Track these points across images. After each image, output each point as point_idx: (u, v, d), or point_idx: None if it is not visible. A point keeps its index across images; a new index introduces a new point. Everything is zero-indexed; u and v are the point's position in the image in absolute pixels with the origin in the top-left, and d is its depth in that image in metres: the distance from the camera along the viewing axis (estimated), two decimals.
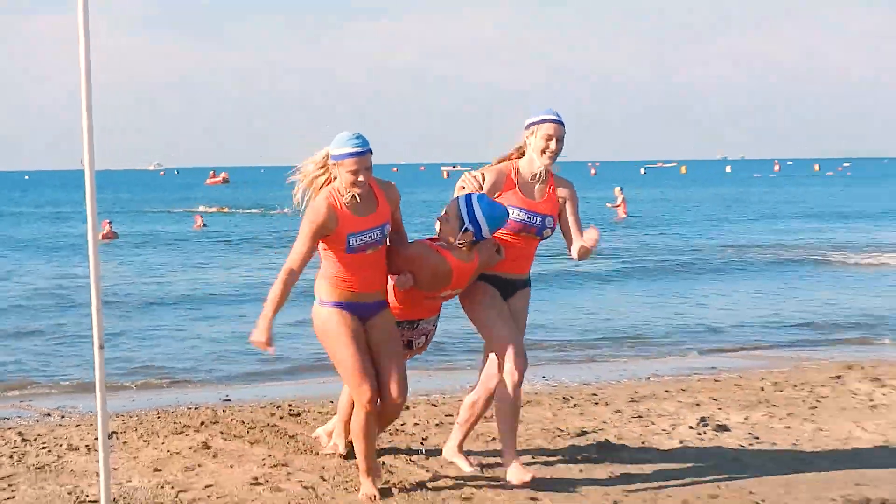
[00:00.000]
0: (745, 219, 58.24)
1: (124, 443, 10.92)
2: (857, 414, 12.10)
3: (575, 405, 12.66)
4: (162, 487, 9.40)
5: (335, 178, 8.63)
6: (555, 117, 9.07)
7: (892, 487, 9.25)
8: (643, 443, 10.89)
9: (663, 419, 11.83)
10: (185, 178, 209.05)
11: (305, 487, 9.34)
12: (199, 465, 10.06)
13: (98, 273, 6.86)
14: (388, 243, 8.87)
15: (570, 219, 9.30)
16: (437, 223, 8.93)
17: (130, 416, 12.32)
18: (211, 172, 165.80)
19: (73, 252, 40.21)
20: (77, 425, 11.90)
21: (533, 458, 10.28)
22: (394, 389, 8.81)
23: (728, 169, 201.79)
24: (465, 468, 9.59)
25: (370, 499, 8.80)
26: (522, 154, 9.19)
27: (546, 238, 9.27)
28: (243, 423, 11.73)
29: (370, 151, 8.51)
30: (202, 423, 11.74)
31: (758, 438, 11.08)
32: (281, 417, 12.10)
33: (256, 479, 9.60)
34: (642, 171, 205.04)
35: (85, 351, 17.92)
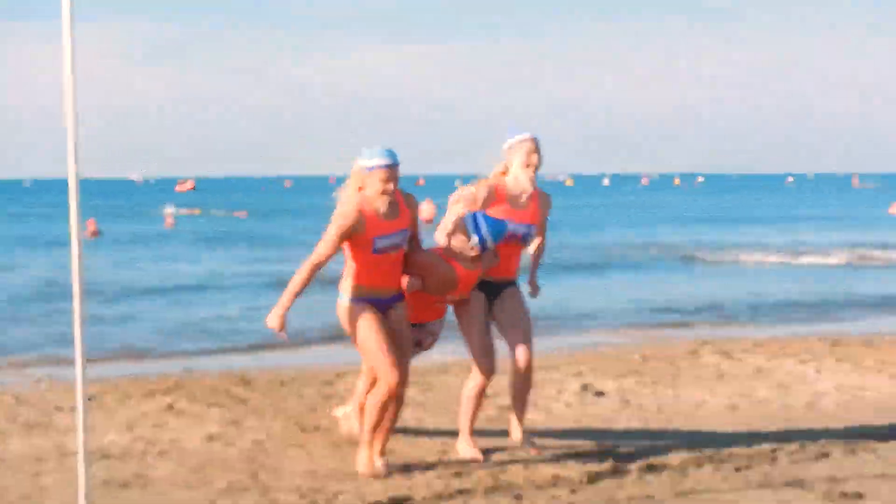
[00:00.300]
0: (620, 224, 58.52)
1: (102, 404, 10.82)
2: (709, 383, 12.16)
3: None
4: (133, 442, 9.32)
5: (365, 186, 8.18)
6: (533, 135, 8.75)
7: (735, 442, 9.30)
8: (535, 405, 10.90)
9: (552, 386, 11.83)
10: (159, 186, 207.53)
11: (254, 442, 9.29)
12: (165, 423, 9.98)
13: (80, 259, 6.78)
14: (408, 247, 8.42)
15: (542, 226, 9.05)
16: (445, 238, 8.51)
17: (108, 382, 12.21)
18: (179, 180, 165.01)
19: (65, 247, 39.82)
20: (64, 390, 11.77)
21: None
22: (396, 372, 8.16)
23: (606, 182, 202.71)
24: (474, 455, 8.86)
25: (369, 473, 8.20)
26: (506, 173, 8.77)
27: (528, 245, 8.98)
28: (202, 388, 11.67)
29: (398, 164, 8.12)
30: (168, 388, 11.66)
31: (628, 402, 11.11)
32: (234, 384, 12.03)
33: (213, 435, 9.54)
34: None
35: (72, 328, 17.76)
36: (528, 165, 8.70)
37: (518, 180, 8.72)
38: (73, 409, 10.51)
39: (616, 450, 9.05)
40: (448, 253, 8.50)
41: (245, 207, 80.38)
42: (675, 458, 8.69)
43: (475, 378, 8.88)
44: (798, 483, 7.92)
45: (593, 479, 8.14)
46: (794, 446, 9.08)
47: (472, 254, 8.45)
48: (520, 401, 9.02)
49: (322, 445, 9.16)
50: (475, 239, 8.45)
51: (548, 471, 8.31)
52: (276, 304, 8.12)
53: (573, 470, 8.32)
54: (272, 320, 8.12)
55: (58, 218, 60.22)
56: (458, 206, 8.62)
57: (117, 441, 9.34)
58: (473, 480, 8.00)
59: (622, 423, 10.21)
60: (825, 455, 8.83)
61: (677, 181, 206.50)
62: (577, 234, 48.00)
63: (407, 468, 8.37)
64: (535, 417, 10.31)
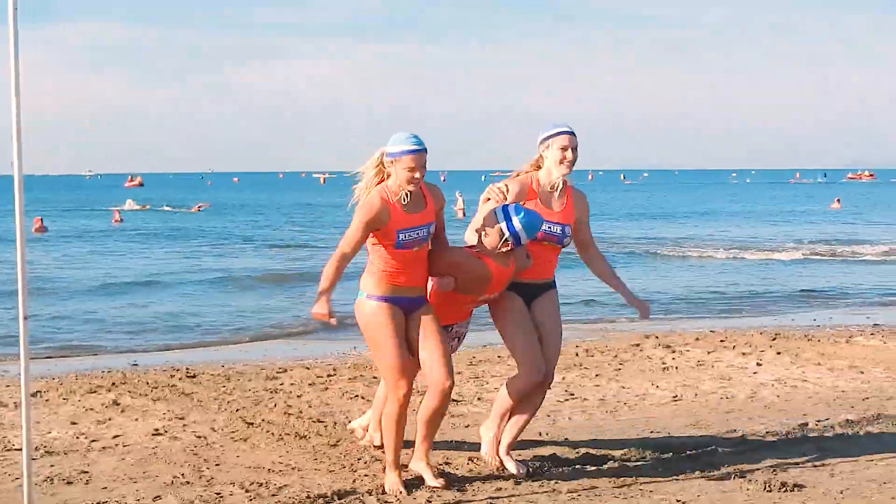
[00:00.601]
0: None
1: (46, 400, 10.73)
2: (652, 375, 12.22)
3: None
4: (77, 437, 9.25)
5: (388, 176, 7.67)
6: (567, 129, 8.10)
7: (678, 433, 9.35)
8: (479, 398, 10.92)
9: (496, 379, 11.84)
10: (107, 181, 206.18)
11: (199, 437, 9.24)
12: (110, 419, 9.92)
13: (24, 256, 6.72)
14: (430, 245, 7.86)
15: (583, 228, 8.35)
16: (474, 233, 7.92)
17: (52, 379, 12.10)
18: (129, 177, 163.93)
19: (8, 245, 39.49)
20: (7, 386, 11.66)
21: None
22: (441, 374, 7.68)
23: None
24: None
25: (396, 493, 7.60)
26: (539, 167, 8.15)
27: (566, 246, 8.28)
28: (148, 383, 11.60)
29: (426, 150, 7.59)
30: (113, 383, 11.58)
31: (573, 395, 11.13)
32: (180, 379, 11.98)
33: (157, 430, 9.48)
34: (483, 178, 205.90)
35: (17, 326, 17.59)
36: (562, 161, 8.07)
37: (551, 177, 8.11)
38: (17, 405, 10.43)
39: (559, 442, 9.07)
40: (479, 249, 7.92)
41: (197, 203, 79.81)
42: (618, 449, 8.71)
43: (521, 380, 8.07)
44: (739, 473, 7.96)
45: (536, 471, 8.15)
46: (735, 437, 9.14)
47: (504, 249, 7.81)
48: (525, 416, 8.23)
49: (267, 439, 9.11)
50: (504, 227, 7.74)
51: (493, 463, 8.30)
52: (316, 296, 7.51)
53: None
54: (319, 308, 7.47)
55: (2, 215, 59.77)
56: (488, 203, 8.02)
57: (61, 437, 9.27)
58: (416, 474, 7.98)
59: (565, 415, 10.23)
60: (766, 446, 8.88)
61: (622, 177, 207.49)
62: None
63: (352, 463, 8.35)
64: (479, 411, 10.32)
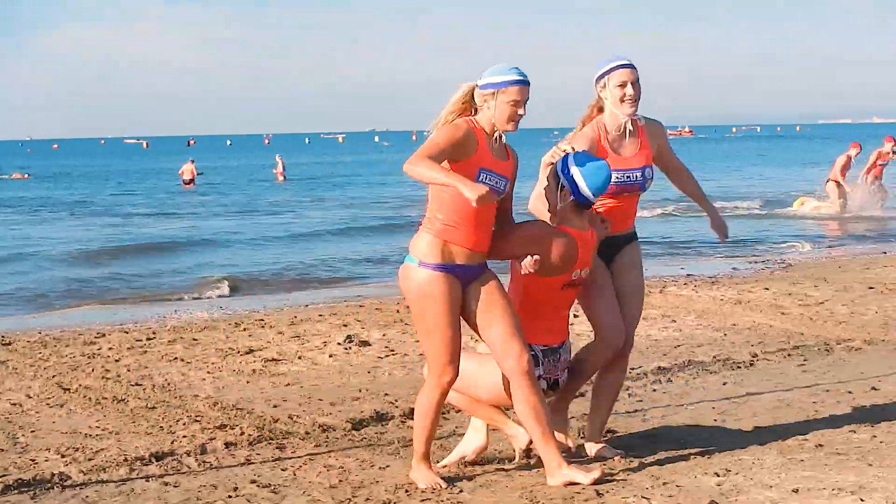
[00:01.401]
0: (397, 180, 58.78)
1: None
2: (471, 330, 12.25)
3: (245, 329, 12.52)
4: None
5: (475, 112, 6.60)
6: (624, 62, 7.03)
7: None
8: (300, 357, 10.85)
9: (317, 338, 11.78)
10: None
11: (13, 404, 9.02)
12: None
13: None
14: (497, 223, 6.67)
15: (665, 156, 7.37)
16: (541, 203, 6.92)
17: None
18: None
19: None
20: None
21: (209, 372, 10.17)
22: (516, 347, 6.51)
23: (377, 139, 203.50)
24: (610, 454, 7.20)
25: (434, 488, 6.60)
26: (602, 109, 7.14)
27: (648, 189, 7.28)
28: None
29: (530, 84, 6.59)
30: None
31: (393, 351, 11.13)
32: None
33: None
34: (307, 140, 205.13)
35: None
36: (623, 100, 7.02)
37: (618, 119, 7.08)
38: None
39: (379, 397, 9.07)
40: (553, 217, 6.86)
41: (16, 171, 77.75)
42: None
43: (598, 347, 7.08)
44: (562, 422, 8.03)
45: (357, 426, 8.14)
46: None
47: (563, 205, 6.76)
48: (608, 395, 7.30)
49: (84, 404, 8.94)
50: (568, 188, 6.70)
51: (312, 420, 8.27)
52: (458, 184, 6.09)
53: (337, 418, 8.31)
54: (476, 190, 6.09)
55: None
56: (549, 169, 6.93)
57: None
58: (237, 433, 7.90)
59: (385, 370, 10.22)
60: (580, 395, 8.95)
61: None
62: (346, 191, 48.14)
63: (171, 425, 8.23)
64: (299, 369, 10.28)
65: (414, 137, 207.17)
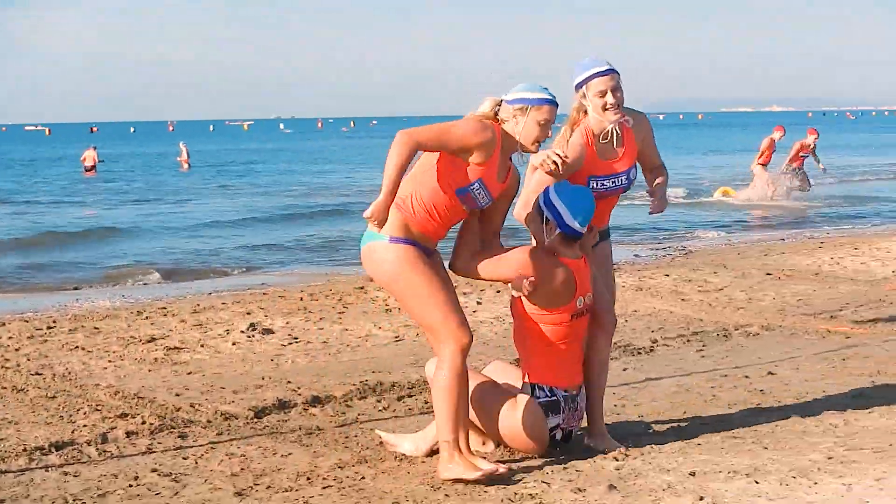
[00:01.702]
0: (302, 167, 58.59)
1: None
2: (376, 316, 12.29)
3: (147, 317, 12.42)
4: None
5: (502, 121, 6.37)
6: (602, 68, 6.75)
7: (399, 372, 9.44)
8: (202, 345, 10.79)
9: (219, 326, 11.72)
10: None
11: None
12: None
13: None
14: (482, 241, 6.59)
15: (647, 154, 7.17)
16: (525, 215, 6.74)
17: None
18: None
19: None
20: None
21: (110, 361, 10.08)
22: (455, 325, 6.29)
23: (281, 126, 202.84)
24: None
25: (489, 473, 6.22)
26: (586, 111, 6.87)
27: (630, 187, 7.08)
28: None
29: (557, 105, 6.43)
30: None
31: (296, 339, 11.11)
32: None
33: None
34: (210, 128, 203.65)
35: None
36: (605, 108, 6.78)
37: (603, 125, 6.83)
38: None
39: (282, 384, 9.05)
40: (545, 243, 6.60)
41: None
42: (339, 389, 8.75)
43: (602, 339, 6.96)
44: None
45: (259, 414, 8.12)
46: None
47: (551, 238, 6.56)
48: (599, 379, 6.99)
49: None
50: (554, 223, 6.52)
51: (214, 408, 8.24)
52: (381, 198, 5.99)
53: (239, 406, 8.28)
54: (378, 216, 6.01)
55: None
56: (537, 174, 6.75)
57: None
58: (138, 422, 7.84)
59: (289, 358, 10.20)
60: None
61: (320, 125, 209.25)
62: (275, 178, 47.89)
63: (71, 414, 8.14)
64: (201, 357, 10.23)
65: (319, 125, 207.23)
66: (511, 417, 6.69)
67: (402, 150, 6.03)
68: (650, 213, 7.23)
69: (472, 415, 6.66)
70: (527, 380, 6.72)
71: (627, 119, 6.92)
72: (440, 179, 6.26)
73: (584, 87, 6.82)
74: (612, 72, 6.80)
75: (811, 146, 28.41)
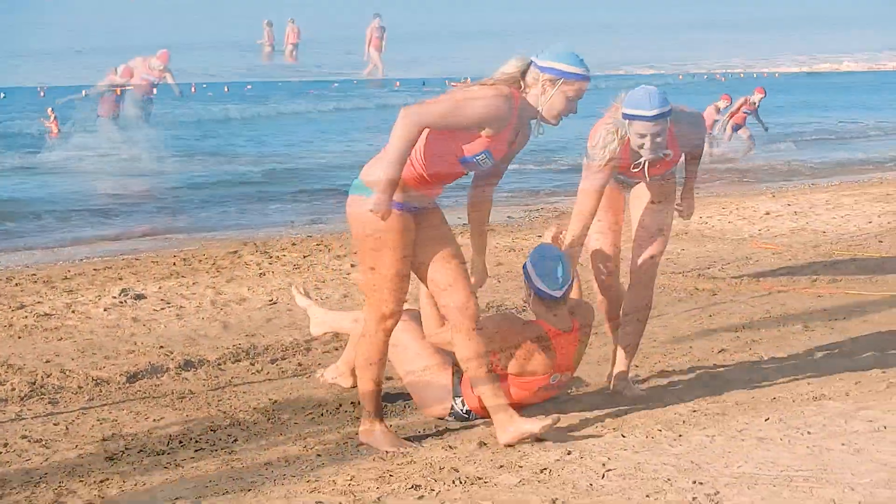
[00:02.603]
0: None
1: None
2: (250, 281, 12.26)
3: (17, 284, 12.23)
4: None
5: (523, 88, 5.97)
6: (647, 113, 6.50)
7: (272, 336, 9.46)
8: (73, 311, 10.68)
9: (91, 291, 11.60)
10: None
11: None
12: None
13: None
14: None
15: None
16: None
17: None
18: None
19: None
20: None
21: None
22: (464, 296, 6.19)
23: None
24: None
25: (400, 449, 6.18)
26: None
27: None
28: None
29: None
30: None
31: (169, 304, 11.04)
32: None
33: None
34: (83, 93, 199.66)
35: None
36: (641, 148, 6.65)
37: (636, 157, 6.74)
38: None
39: (155, 349, 9.01)
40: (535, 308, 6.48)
41: None
42: (212, 353, 8.75)
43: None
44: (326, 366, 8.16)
45: (131, 378, 8.09)
46: (328, 336, 9.32)
47: (535, 308, 6.52)
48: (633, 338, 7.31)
49: None
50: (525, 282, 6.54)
51: (85, 374, 8.18)
52: (377, 195, 5.79)
53: (111, 372, 8.24)
54: (380, 208, 5.78)
55: None
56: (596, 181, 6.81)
57: None
58: (8, 389, 7.76)
59: (162, 323, 10.15)
60: None
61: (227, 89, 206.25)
62: None
63: None
64: (73, 324, 10.12)
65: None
66: (425, 389, 6.75)
67: (406, 132, 5.72)
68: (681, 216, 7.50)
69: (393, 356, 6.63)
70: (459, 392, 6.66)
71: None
72: (443, 147, 5.94)
73: (626, 121, 6.60)
74: (656, 118, 6.53)
75: (755, 105, 25.64)
